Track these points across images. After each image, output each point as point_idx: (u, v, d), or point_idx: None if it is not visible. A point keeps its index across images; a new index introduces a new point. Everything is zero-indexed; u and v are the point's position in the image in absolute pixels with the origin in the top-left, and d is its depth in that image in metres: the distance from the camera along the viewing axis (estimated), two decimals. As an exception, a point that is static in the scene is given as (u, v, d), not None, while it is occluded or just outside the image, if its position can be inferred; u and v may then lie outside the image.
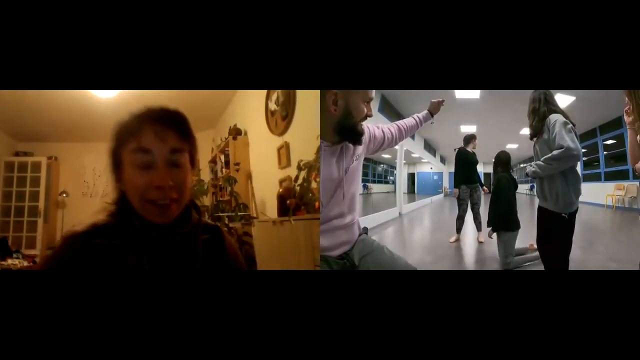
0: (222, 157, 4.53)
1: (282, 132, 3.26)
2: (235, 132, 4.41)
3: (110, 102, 4.35)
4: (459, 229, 3.93)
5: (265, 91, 3.64)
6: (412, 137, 8.08)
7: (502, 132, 7.99)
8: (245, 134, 4.41)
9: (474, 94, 5.28)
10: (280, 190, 2.76)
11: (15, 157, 5.97)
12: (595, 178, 8.29)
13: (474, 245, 3.81)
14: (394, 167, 10.15)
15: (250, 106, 4.18)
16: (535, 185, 2.03)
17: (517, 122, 6.62)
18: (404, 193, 8.35)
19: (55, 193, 6.12)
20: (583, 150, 7.49)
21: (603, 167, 8.03)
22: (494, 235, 2.99)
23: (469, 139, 3.96)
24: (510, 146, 9.31)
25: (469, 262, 3.28)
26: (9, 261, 4.34)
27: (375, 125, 1.44)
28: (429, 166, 13.74)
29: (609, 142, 7.59)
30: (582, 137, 7.60)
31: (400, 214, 7.10)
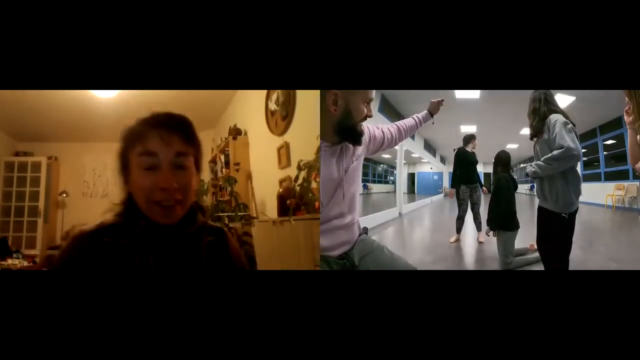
0: (222, 157, 4.53)
1: (282, 132, 3.26)
2: (235, 132, 4.42)
3: (110, 102, 4.35)
4: (459, 229, 3.93)
5: (265, 91, 3.64)
6: (412, 137, 8.08)
7: (502, 132, 7.99)
8: (245, 134, 4.41)
9: (474, 94, 5.28)
10: (280, 190, 2.76)
11: (15, 157, 5.97)
12: (595, 178, 8.29)
13: (474, 246, 3.81)
14: (394, 167, 10.15)
15: (250, 106, 4.18)
16: (535, 185, 2.03)
17: (517, 122, 6.62)
18: (404, 193, 8.35)
19: (55, 193, 6.12)
20: (583, 150, 7.48)
21: (603, 167, 8.03)
22: (492, 234, 2.99)
23: (469, 139, 3.96)
24: (510, 146, 9.31)
25: (469, 262, 3.28)
26: (9, 261, 4.34)
27: (375, 125, 1.44)
28: (429, 166, 13.73)
29: (609, 142, 7.59)
30: (582, 137, 7.60)
31: (400, 214, 7.10)
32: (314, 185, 2.45)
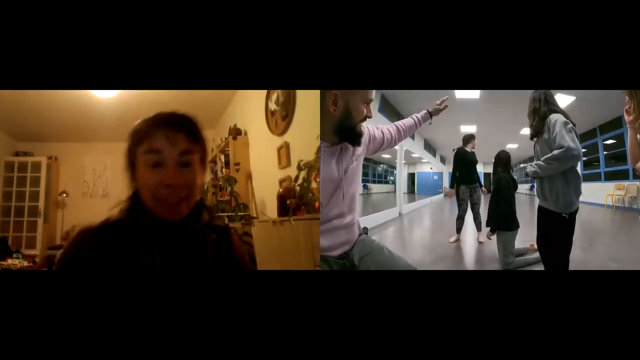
0: (222, 157, 4.53)
1: (282, 132, 3.25)
2: (235, 132, 4.41)
3: (110, 102, 4.35)
4: (459, 229, 3.93)
5: (265, 91, 3.64)
6: (412, 137, 8.08)
7: (502, 132, 7.98)
8: (245, 134, 4.41)
9: (474, 94, 5.28)
10: (280, 190, 2.75)
11: (15, 157, 5.97)
12: (595, 178, 8.29)
13: (474, 245, 3.81)
14: (394, 167, 10.15)
15: (250, 106, 4.18)
16: (535, 185, 2.03)
17: (517, 122, 6.61)
18: (404, 193, 8.35)
19: (55, 193, 6.12)
20: (583, 150, 7.46)
21: (603, 167, 8.03)
22: (493, 237, 2.99)
23: (468, 138, 3.96)
24: (510, 146, 9.30)
25: (469, 262, 3.28)
26: (9, 261, 4.35)
27: (374, 125, 1.44)
28: (429, 166, 13.73)
29: (609, 142, 7.58)
30: (582, 137, 7.59)
31: (400, 214, 7.10)
32: (314, 185, 2.45)
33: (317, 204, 2.09)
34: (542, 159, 1.85)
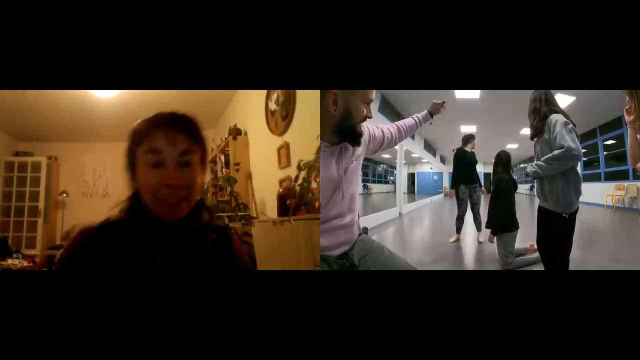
0: (222, 157, 4.53)
1: (282, 132, 3.25)
2: (235, 132, 4.41)
3: (110, 102, 4.35)
4: (458, 229, 3.93)
5: (265, 91, 3.64)
6: (412, 137, 8.08)
7: (502, 132, 7.99)
8: (245, 134, 4.41)
9: (474, 94, 5.28)
10: (280, 190, 2.75)
11: (15, 157, 5.97)
12: (595, 178, 8.29)
13: (473, 246, 3.81)
14: (394, 167, 10.14)
15: (250, 106, 4.18)
16: (535, 185, 2.03)
17: (517, 122, 6.62)
18: (404, 193, 8.35)
19: (55, 193, 6.12)
20: (583, 150, 7.44)
21: (603, 167, 8.03)
22: (494, 239, 2.98)
23: (468, 138, 3.96)
24: (510, 146, 9.30)
25: (469, 262, 3.28)
26: (9, 261, 4.35)
27: (374, 125, 1.44)
28: (429, 166, 13.73)
29: (609, 142, 7.58)
30: (582, 137, 7.57)
31: (400, 214, 7.10)
32: (314, 185, 2.45)
33: (317, 204, 2.09)
34: (542, 159, 1.85)
